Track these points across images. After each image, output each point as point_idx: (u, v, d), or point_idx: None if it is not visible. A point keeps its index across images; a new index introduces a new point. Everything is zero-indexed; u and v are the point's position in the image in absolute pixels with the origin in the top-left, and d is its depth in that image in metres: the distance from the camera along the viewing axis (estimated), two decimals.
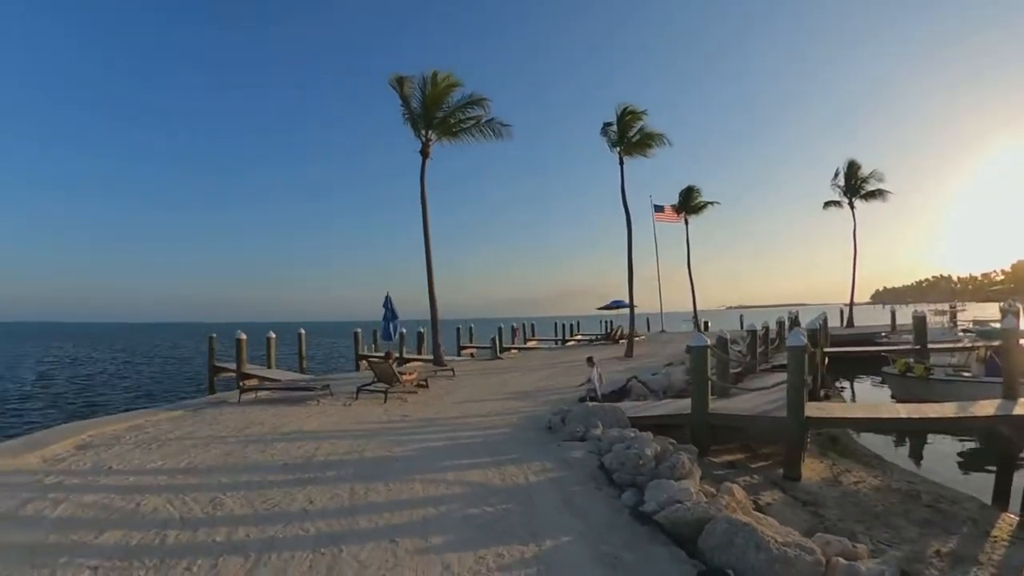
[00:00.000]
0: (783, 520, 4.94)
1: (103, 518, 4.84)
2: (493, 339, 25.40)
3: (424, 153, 18.81)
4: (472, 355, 28.75)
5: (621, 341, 27.21)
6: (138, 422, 8.84)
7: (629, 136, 22.13)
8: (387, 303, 17.22)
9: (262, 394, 12.26)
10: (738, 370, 13.22)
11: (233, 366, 18.27)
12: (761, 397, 9.07)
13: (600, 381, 10.96)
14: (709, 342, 8.71)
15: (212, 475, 6.14)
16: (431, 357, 20.25)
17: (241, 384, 13.37)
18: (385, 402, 11.26)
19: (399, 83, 18.66)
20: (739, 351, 16.17)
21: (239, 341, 16.54)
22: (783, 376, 8.22)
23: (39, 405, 19.00)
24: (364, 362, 23.51)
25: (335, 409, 10.49)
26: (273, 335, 19.36)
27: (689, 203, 36.49)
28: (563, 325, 40.18)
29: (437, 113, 18.85)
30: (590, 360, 11.35)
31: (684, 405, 8.59)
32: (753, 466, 7.81)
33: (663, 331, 38.95)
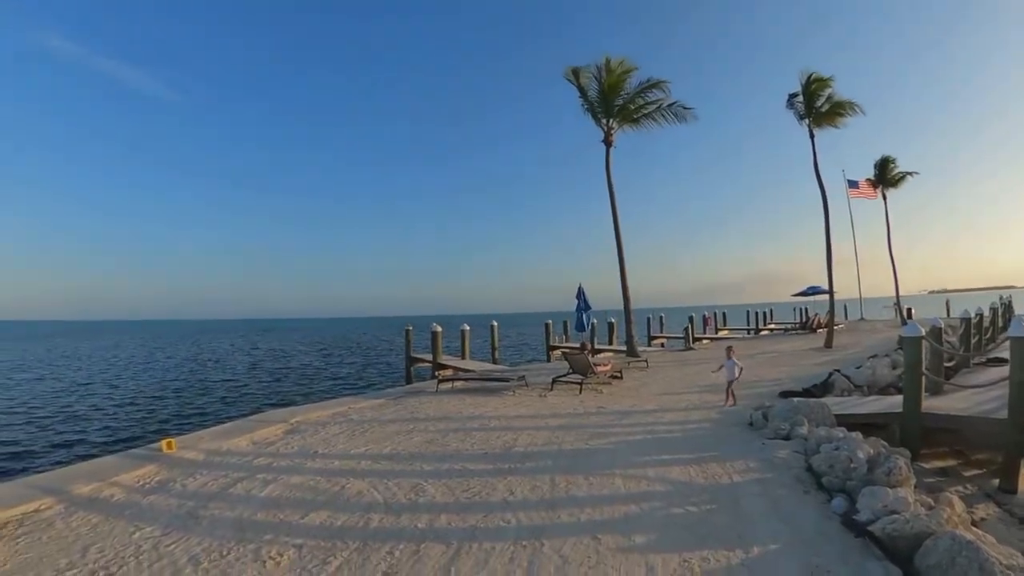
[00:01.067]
0: (998, 538, 4.27)
1: (309, 499, 4.90)
2: (685, 329, 23.56)
3: (607, 142, 17.97)
4: (662, 345, 27.41)
5: (820, 330, 25.54)
6: (341, 409, 9.19)
7: (817, 106, 19.56)
8: (580, 294, 16.67)
9: (458, 384, 12.37)
10: (950, 364, 11.66)
11: (429, 357, 19.16)
12: (978, 395, 8.10)
13: (737, 376, 9.37)
14: (923, 331, 7.60)
15: (414, 462, 6.06)
16: (623, 348, 19.38)
17: (438, 374, 13.67)
18: (580, 393, 10.68)
19: (575, 74, 18.08)
20: (951, 342, 14.54)
21: (435, 334, 17.16)
22: (1002, 371, 7.37)
23: (250, 392, 21.27)
24: (555, 352, 23.43)
25: (531, 400, 10.10)
26: (467, 327, 19.89)
27: (886, 175, 31.39)
28: (756, 313, 37.83)
29: (616, 101, 17.91)
30: (729, 350, 9.65)
31: (894, 403, 7.94)
32: (965, 474, 6.82)
33: (862, 319, 34.65)
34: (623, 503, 4.77)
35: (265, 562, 3.70)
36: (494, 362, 20.21)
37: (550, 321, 25.61)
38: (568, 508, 4.60)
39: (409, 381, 19.84)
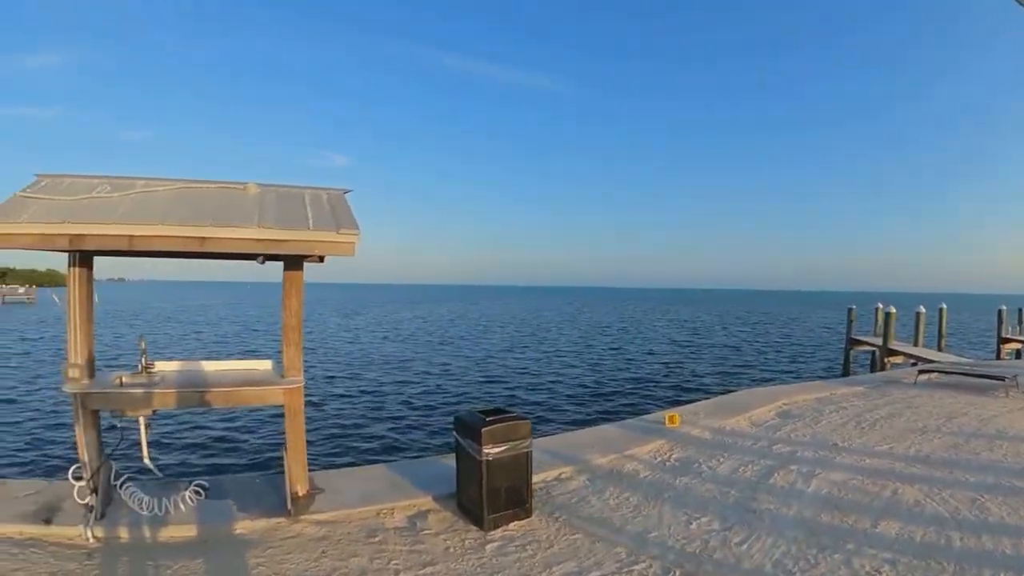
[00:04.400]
0: None
1: (864, 503, 4.53)
2: None
3: None
4: None
5: None
6: (824, 394, 8.75)
7: None
8: None
9: (932, 376, 10.56)
10: None
11: (872, 340, 16.87)
12: None
13: None
14: None
15: (953, 470, 5.28)
16: None
17: (917, 365, 12.05)
18: None
19: None
20: None
21: (888, 315, 14.95)
22: None
23: (707, 369, 20.58)
24: (1006, 347, 17.72)
25: None
26: (923, 309, 16.65)
27: None
28: None
29: None
30: None
31: None
32: None
33: None
34: None
35: None
36: (939, 350, 16.36)
37: (1003, 307, 19.13)
38: None
39: (847, 367, 17.90)
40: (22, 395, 13.87)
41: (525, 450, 4.08)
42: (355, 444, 9.59)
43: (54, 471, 7.71)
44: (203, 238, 3.38)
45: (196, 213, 3.55)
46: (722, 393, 9.80)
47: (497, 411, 4.19)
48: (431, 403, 13.21)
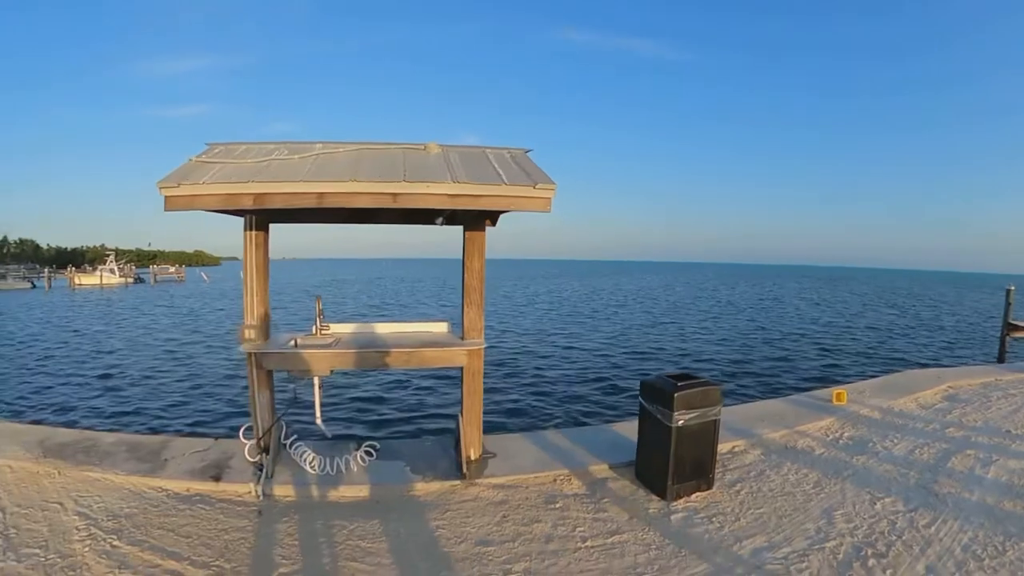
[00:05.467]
0: None
1: None
2: None
3: None
4: None
5: None
6: (987, 379, 7.95)
7: None
8: None
9: None
10: None
11: None
12: None
13: None
14: None
15: None
16: None
17: None
18: None
19: None
20: None
21: None
22: None
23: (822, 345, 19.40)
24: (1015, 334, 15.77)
25: None
26: None
27: None
28: None
29: None
30: None
31: None
32: None
33: None
34: None
35: None
36: None
37: (1011, 286, 16.81)
38: None
39: (1002, 352, 16.42)
40: (179, 360, 14.85)
41: (714, 418, 3.91)
42: (520, 410, 9.44)
43: (216, 431, 7.94)
44: (395, 194, 3.28)
45: (387, 170, 3.47)
46: (878, 374, 9.27)
47: (686, 376, 4.01)
48: (588, 374, 13.03)
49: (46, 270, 58.54)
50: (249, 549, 3.24)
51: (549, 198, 3.46)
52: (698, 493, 3.93)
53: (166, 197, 3.37)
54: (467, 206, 3.34)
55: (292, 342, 4.17)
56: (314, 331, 4.31)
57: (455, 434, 4.42)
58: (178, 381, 12.09)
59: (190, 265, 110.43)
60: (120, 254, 72.18)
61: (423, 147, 3.94)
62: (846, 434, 5.38)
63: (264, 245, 4.15)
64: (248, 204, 3.46)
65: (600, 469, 4.32)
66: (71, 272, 58.73)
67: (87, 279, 54.64)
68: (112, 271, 57.25)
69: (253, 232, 4.08)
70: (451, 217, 4.09)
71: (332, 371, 4.02)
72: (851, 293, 54.67)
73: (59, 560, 3.08)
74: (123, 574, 2.98)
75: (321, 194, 3.35)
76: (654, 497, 3.91)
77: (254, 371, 4.07)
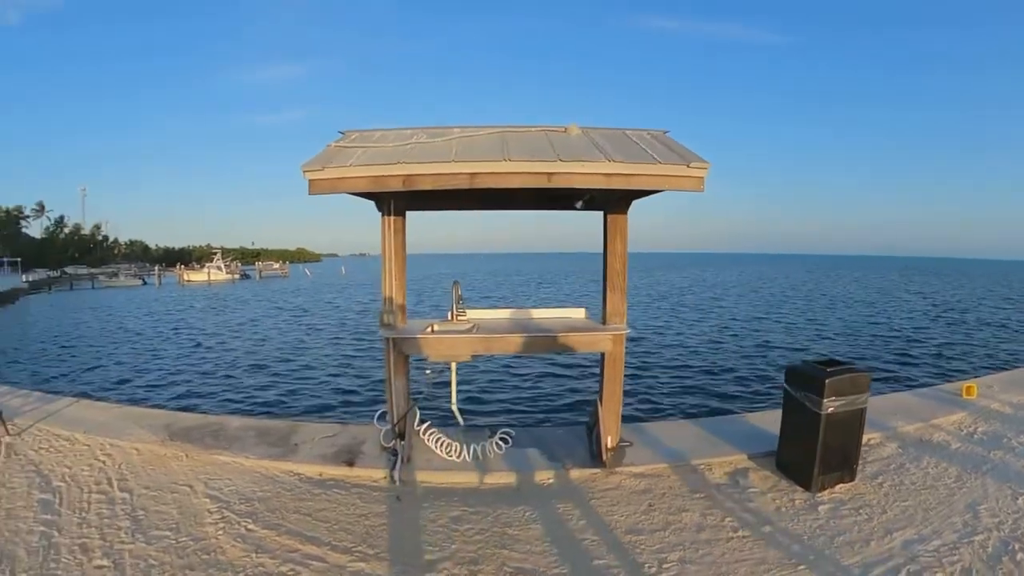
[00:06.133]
0: None
1: None
2: None
3: None
4: None
5: None
6: None
7: None
8: None
9: None
10: None
11: None
12: None
13: None
14: None
15: None
16: None
17: None
18: None
19: None
20: None
21: None
22: None
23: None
24: None
25: None
26: None
27: None
28: None
29: None
30: None
31: None
32: None
33: None
34: None
35: None
36: None
37: None
38: None
39: None
40: (299, 348, 15.55)
41: (862, 406, 3.69)
42: (651, 399, 9.15)
43: (344, 416, 8.06)
44: (550, 173, 3.22)
45: (537, 150, 3.42)
46: (996, 369, 8.47)
47: (834, 362, 3.79)
48: (716, 365, 12.56)
49: (156, 268, 63.30)
50: (391, 535, 3.23)
51: (702, 177, 3.31)
52: (841, 485, 3.79)
53: (310, 180, 3.43)
54: (621, 185, 3.24)
55: (429, 328, 4.21)
56: (450, 317, 4.34)
57: (588, 422, 4.33)
58: (301, 368, 12.51)
59: (292, 261, 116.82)
60: (225, 252, 76.29)
61: (563, 129, 3.86)
62: (980, 429, 5.14)
63: (402, 231, 4.21)
64: (397, 186, 3.47)
65: (739, 459, 4.17)
66: (180, 269, 62.95)
67: (195, 276, 58.07)
68: (219, 268, 60.44)
69: (392, 217, 4.14)
70: (591, 200, 4.00)
71: (472, 357, 4.03)
72: (956, 287, 49.97)
73: (191, 543, 3.06)
74: (260, 558, 2.94)
75: (473, 174, 3.34)
76: (798, 488, 3.78)
77: (391, 356, 4.11)
